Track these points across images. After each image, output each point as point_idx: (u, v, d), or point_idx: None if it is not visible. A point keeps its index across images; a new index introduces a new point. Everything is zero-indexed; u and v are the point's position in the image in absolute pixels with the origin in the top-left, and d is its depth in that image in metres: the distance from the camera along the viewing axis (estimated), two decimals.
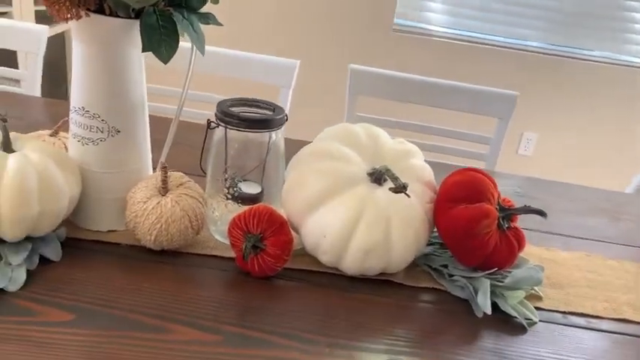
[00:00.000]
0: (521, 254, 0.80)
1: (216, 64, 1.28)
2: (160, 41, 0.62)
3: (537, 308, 0.74)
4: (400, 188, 0.68)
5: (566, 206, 1.10)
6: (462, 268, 0.74)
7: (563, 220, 1.03)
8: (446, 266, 0.76)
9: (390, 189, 0.69)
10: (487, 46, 2.50)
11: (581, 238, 0.96)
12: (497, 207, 0.73)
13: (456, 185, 0.73)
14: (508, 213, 0.73)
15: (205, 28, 0.67)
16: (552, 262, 0.86)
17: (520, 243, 0.74)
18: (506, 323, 0.70)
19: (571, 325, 0.73)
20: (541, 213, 0.73)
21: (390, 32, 2.49)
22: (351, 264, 0.70)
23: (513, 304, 0.70)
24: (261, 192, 0.77)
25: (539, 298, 0.76)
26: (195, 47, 0.67)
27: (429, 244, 0.79)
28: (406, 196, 0.69)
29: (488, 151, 1.34)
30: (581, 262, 0.87)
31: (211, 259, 0.75)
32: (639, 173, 1.49)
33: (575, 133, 2.58)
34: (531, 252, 0.87)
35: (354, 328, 0.66)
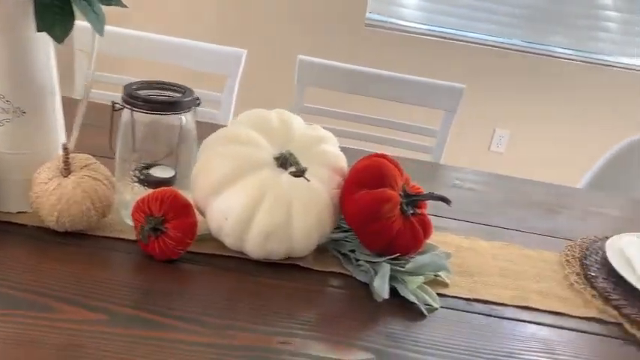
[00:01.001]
0: (438, 242, 0.81)
1: (163, 51, 1.29)
2: (54, 21, 0.62)
3: (441, 295, 0.75)
4: (299, 172, 0.69)
5: (504, 198, 1.11)
6: (367, 253, 0.75)
7: (497, 210, 1.04)
8: (354, 251, 0.77)
9: (290, 173, 0.70)
10: (460, 43, 2.51)
11: (509, 229, 0.97)
12: (402, 193, 0.74)
13: (360, 171, 0.73)
14: (412, 199, 0.74)
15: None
16: (470, 250, 0.87)
17: (426, 230, 0.75)
18: (407, 309, 0.71)
19: (473, 312, 0.74)
20: (444, 200, 0.74)
21: (362, 27, 2.50)
22: (253, 247, 0.71)
23: (413, 289, 0.71)
24: (174, 176, 0.78)
25: (445, 284, 0.77)
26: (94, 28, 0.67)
27: (343, 230, 0.80)
28: (308, 181, 0.70)
29: (435, 143, 1.35)
30: (499, 252, 0.88)
31: (119, 242, 0.75)
32: (591, 169, 1.51)
33: (548, 130, 2.59)
34: (451, 241, 0.88)
35: (256, 312, 0.67)
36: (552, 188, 1.20)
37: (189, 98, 0.75)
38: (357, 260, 0.75)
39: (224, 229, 0.71)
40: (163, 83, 0.77)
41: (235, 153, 0.72)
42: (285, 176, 0.72)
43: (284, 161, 0.72)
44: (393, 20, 2.55)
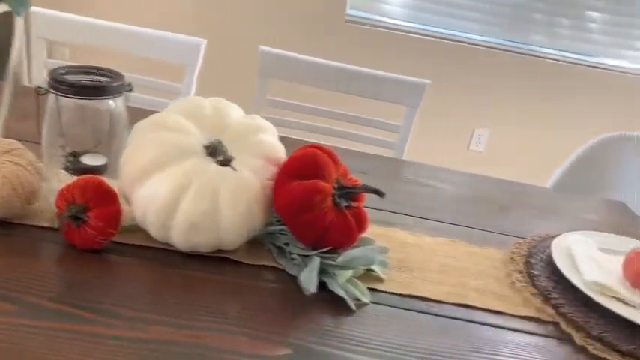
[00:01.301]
0: (383, 237, 0.80)
1: (121, 39, 1.26)
2: None
3: (375, 290, 0.73)
4: (226, 161, 0.67)
5: (460, 194, 1.09)
6: (301, 246, 0.73)
7: (450, 207, 1.02)
8: (288, 244, 0.75)
9: (217, 161, 0.68)
10: (441, 41, 2.49)
11: (459, 225, 0.95)
12: (336, 185, 0.72)
13: (292, 161, 0.71)
14: (345, 191, 0.72)
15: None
16: (415, 246, 0.85)
17: (361, 223, 0.74)
18: (337, 304, 0.69)
19: (406, 308, 0.72)
20: (378, 193, 0.72)
21: (343, 23, 2.48)
22: (178, 237, 0.69)
23: (342, 283, 0.69)
24: (105, 165, 0.76)
25: (380, 280, 0.75)
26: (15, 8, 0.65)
27: (280, 222, 0.78)
28: (234, 170, 0.68)
29: (397, 139, 1.33)
30: (444, 248, 0.86)
31: (46, 231, 0.73)
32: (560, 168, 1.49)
33: (528, 130, 2.58)
34: (397, 236, 0.87)
35: (178, 306, 0.65)
36: (513, 186, 1.19)
37: (118, 83, 0.73)
38: (291, 254, 0.73)
39: (148, 218, 0.69)
40: (93, 68, 0.75)
41: (163, 139, 0.70)
42: (213, 165, 0.70)
43: (213, 150, 0.70)
44: (375, 17, 2.53)
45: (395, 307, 0.72)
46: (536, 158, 2.60)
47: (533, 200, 1.13)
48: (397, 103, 1.31)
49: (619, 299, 0.75)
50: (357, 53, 2.47)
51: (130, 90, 0.75)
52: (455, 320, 0.71)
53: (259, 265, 0.74)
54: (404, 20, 2.52)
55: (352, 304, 0.69)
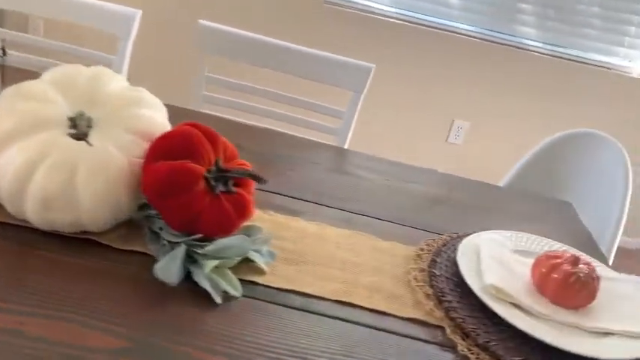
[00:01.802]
0: (282, 225, 0.75)
1: (57, 8, 1.21)
2: None
3: (252, 283, 0.68)
4: (80, 134, 0.62)
5: (389, 186, 1.03)
6: (175, 232, 0.68)
7: (373, 199, 0.96)
8: (162, 229, 0.69)
9: (70, 134, 0.62)
10: (423, 27, 2.41)
11: (376, 218, 0.90)
12: (213, 168, 0.66)
13: (163, 139, 0.66)
14: (222, 175, 0.66)
15: None
16: (314, 236, 0.79)
17: (241, 210, 0.68)
18: (203, 296, 0.64)
19: (282, 304, 0.66)
20: (257, 178, 0.66)
21: (322, 5, 2.40)
22: (33, 214, 0.64)
23: (208, 273, 0.64)
24: None
25: (262, 272, 0.70)
26: None
27: None
28: (93, 145, 0.62)
29: (341, 125, 1.27)
30: (347, 241, 0.80)
31: None
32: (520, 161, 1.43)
33: (509, 124, 2.51)
34: (297, 225, 0.81)
35: (14, 289, 0.60)
36: (457, 181, 1.12)
37: None
38: (164, 239, 0.68)
39: (3, 191, 0.64)
40: None
41: (25, 109, 0.65)
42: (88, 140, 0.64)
43: (75, 122, 0.65)
44: (356, 0, 2.45)
45: (270, 302, 0.66)
46: (515, 152, 2.53)
47: (473, 197, 1.07)
48: (341, 87, 1.25)
49: (517, 306, 0.70)
50: (334, 37, 2.40)
51: (4, 54, 0.70)
52: (334, 320, 0.66)
53: (129, 251, 0.69)
54: (387, 5, 2.45)
55: (217, 298, 0.63)
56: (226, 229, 0.67)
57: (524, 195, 1.17)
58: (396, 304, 0.70)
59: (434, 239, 0.85)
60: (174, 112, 1.12)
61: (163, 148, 0.65)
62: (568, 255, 0.73)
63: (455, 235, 0.85)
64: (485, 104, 2.50)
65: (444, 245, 0.82)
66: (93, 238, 0.68)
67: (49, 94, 0.66)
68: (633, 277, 0.80)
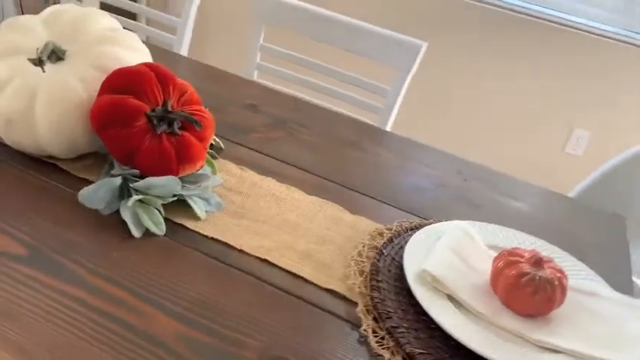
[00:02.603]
0: (254, 184, 0.77)
1: None
2: None
3: (181, 226, 0.69)
4: (37, 60, 0.67)
5: (398, 164, 0.96)
6: (124, 167, 0.71)
7: (371, 176, 0.91)
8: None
9: (29, 59, 0.68)
10: (555, 25, 2.20)
11: (361, 194, 0.85)
12: (160, 108, 0.68)
13: (114, 75, 0.69)
14: (166, 116, 0.68)
15: None
16: (276, 199, 0.78)
17: (183, 153, 0.69)
18: (125, 229, 0.66)
19: (201, 252, 0.66)
20: (193, 121, 0.67)
21: None
22: (1, 131, 0.71)
23: (131, 207, 0.66)
24: None
25: (196, 218, 0.70)
26: None
27: None
28: (44, 72, 0.68)
29: (385, 104, 1.21)
30: (310, 207, 0.77)
31: None
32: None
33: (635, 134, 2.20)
34: (263, 184, 0.80)
35: None
36: (470, 168, 1.01)
37: None
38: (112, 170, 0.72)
39: None
40: None
41: (7, 38, 0.72)
42: (44, 67, 0.70)
43: (42, 51, 0.70)
44: None
45: (189, 247, 0.66)
46: None
47: (480, 187, 0.96)
48: (389, 65, 1.19)
49: (453, 299, 0.61)
50: (447, 30, 2.29)
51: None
52: (244, 274, 0.64)
53: (80, 178, 0.73)
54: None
55: (136, 232, 0.65)
56: (164, 169, 0.69)
57: (578, 207, 1.02)
58: (322, 274, 0.66)
59: (410, 221, 0.78)
60: (222, 77, 1.16)
61: (112, 83, 0.68)
62: (533, 254, 0.62)
63: (432, 221, 0.77)
64: (610, 112, 2.21)
65: (413, 229, 0.75)
66: (55, 163, 0.74)
67: (35, 27, 0.73)
68: (627, 298, 0.66)
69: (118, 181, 0.68)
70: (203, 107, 0.75)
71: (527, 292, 0.60)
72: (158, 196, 0.67)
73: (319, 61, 1.28)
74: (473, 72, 2.33)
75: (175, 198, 0.70)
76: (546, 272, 0.61)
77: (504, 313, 0.62)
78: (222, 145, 0.88)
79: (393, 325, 0.58)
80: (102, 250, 0.63)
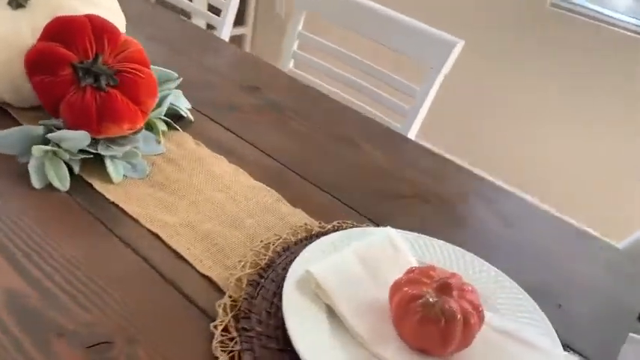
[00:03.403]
0: (204, 159, 0.73)
1: None
2: None
3: (89, 186, 0.66)
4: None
5: (384, 167, 0.86)
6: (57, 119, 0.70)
7: (354, 176, 0.81)
8: None
9: None
10: None
11: (324, 191, 0.76)
12: (88, 61, 0.66)
13: (52, 23, 0.68)
14: (93, 70, 0.65)
15: None
16: (215, 177, 0.72)
17: (106, 110, 0.66)
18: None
19: (96, 217, 0.62)
20: (110, 77, 0.64)
21: (546, 6, 2.10)
22: None
23: (38, 157, 0.64)
24: None
25: (109, 181, 0.66)
26: None
27: None
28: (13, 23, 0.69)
29: (412, 105, 1.09)
30: (244, 192, 0.70)
31: None
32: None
33: None
34: (210, 162, 0.74)
35: None
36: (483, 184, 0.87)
37: None
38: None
39: None
40: None
41: None
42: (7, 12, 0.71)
43: None
44: (588, 5, 2.07)
45: (86, 209, 0.63)
46: None
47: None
48: (420, 61, 1.07)
49: (333, 311, 0.51)
50: (560, 44, 2.07)
51: None
52: (124, 246, 0.59)
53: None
54: (624, 14, 2.00)
55: (36, 182, 0.64)
56: (83, 124, 0.66)
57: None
58: (210, 260, 0.59)
59: (352, 222, 0.68)
60: (253, 65, 1.12)
61: (49, 30, 0.67)
62: (445, 278, 0.50)
63: (365, 225, 0.67)
64: None
65: (343, 229, 0.64)
66: (7, 109, 0.75)
67: None
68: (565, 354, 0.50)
69: (39, 130, 0.66)
70: (150, 69, 0.72)
71: (415, 319, 0.48)
72: (67, 150, 0.65)
73: (351, 53, 1.20)
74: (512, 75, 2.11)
75: (91, 155, 0.67)
76: (450, 302, 0.48)
77: (391, 341, 0.50)
78: (191, 117, 0.84)
79: (246, 326, 0.50)
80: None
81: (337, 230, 0.64)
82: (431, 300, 0.48)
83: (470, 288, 0.51)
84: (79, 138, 0.65)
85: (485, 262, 0.62)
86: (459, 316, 0.48)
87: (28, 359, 0.46)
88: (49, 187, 0.64)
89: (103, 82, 0.67)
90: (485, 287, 0.59)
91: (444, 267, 0.60)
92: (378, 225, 0.70)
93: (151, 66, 0.88)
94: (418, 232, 0.66)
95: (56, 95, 0.66)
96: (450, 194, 0.82)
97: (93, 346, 0.47)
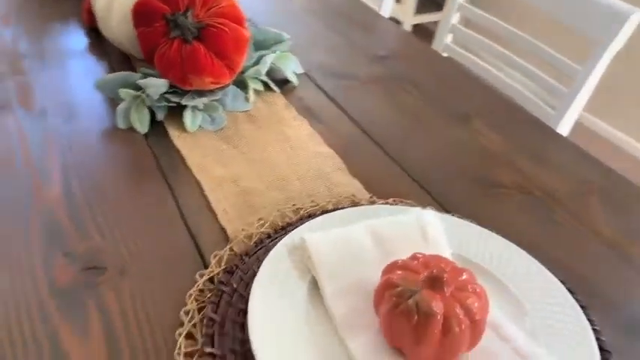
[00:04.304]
0: (272, 116, 0.75)
1: None
2: None
3: (164, 132, 0.70)
4: None
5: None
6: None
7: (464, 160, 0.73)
8: None
9: None
10: None
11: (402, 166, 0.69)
12: (179, 14, 0.70)
13: None
14: (181, 23, 0.69)
15: None
16: (281, 134, 0.71)
17: (188, 63, 0.69)
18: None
19: (157, 159, 0.66)
20: (188, 29, 0.68)
21: None
22: (118, 27, 0.84)
23: (127, 100, 0.70)
24: None
25: (183, 130, 0.70)
26: None
27: None
28: None
29: (572, 87, 0.91)
30: (306, 147, 0.67)
31: None
32: None
33: None
34: (284, 116, 0.74)
35: None
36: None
37: None
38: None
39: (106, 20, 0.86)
40: None
41: None
42: None
43: None
44: None
45: (151, 148, 0.67)
46: None
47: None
48: (584, 35, 0.88)
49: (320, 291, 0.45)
50: None
51: None
52: (167, 192, 0.61)
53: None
54: None
55: (120, 121, 0.70)
56: (170, 73, 0.70)
57: None
58: (233, 212, 0.58)
59: (411, 202, 0.60)
60: (393, 34, 1.10)
61: None
62: (440, 271, 0.41)
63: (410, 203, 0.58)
64: None
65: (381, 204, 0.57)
66: (130, 59, 0.85)
67: None
68: None
69: (136, 77, 0.73)
70: (244, 26, 0.73)
71: (386, 308, 0.40)
72: (150, 96, 0.70)
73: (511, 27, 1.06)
74: None
75: (175, 104, 0.71)
76: (433, 299, 0.39)
77: (365, 332, 0.43)
78: (295, 81, 0.83)
79: (223, 280, 0.48)
80: (80, 130, 0.70)
81: (372, 203, 0.58)
82: (408, 291, 0.40)
83: (478, 290, 0.41)
84: (158, 85, 0.70)
85: (555, 282, 0.50)
86: (438, 316, 0.39)
87: (31, 265, 0.51)
88: (131, 129, 0.71)
89: (189, 35, 0.70)
90: (532, 300, 0.47)
91: (484, 267, 0.50)
92: (448, 212, 0.61)
93: (259, 26, 0.91)
94: (496, 231, 0.56)
95: (152, 45, 0.72)
96: (564, 192, 0.67)
97: (87, 269, 0.51)
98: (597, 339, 0.45)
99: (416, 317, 0.39)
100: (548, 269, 0.51)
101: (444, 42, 1.19)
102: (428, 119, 0.80)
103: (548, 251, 0.58)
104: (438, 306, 0.39)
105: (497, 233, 0.56)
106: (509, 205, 0.65)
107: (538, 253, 0.54)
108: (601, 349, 0.45)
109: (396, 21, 2.83)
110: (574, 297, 0.48)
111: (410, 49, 1.01)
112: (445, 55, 1.20)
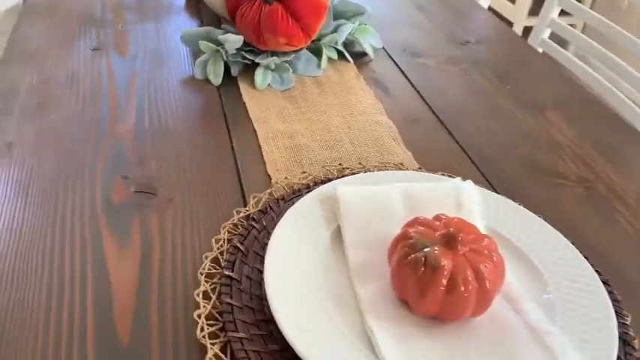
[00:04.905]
0: (340, 83, 0.78)
1: None
2: None
3: (235, 87, 0.73)
4: None
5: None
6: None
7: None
8: None
9: None
10: None
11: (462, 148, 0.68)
12: None
13: None
14: None
15: None
16: (344, 100, 0.72)
17: (265, 23, 0.73)
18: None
19: (222, 108, 0.70)
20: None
21: None
22: None
23: (208, 54, 0.74)
24: None
25: (253, 86, 0.73)
26: None
27: None
28: None
29: None
30: (366, 115, 0.68)
31: None
32: None
33: None
34: (351, 85, 0.75)
35: None
36: None
37: None
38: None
39: None
40: None
41: None
42: None
43: None
44: None
45: (220, 99, 0.71)
46: None
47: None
48: None
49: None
50: None
51: None
52: (226, 138, 0.65)
53: None
54: None
55: (198, 73, 0.75)
56: (249, 31, 0.74)
57: None
58: (282, 164, 0.60)
59: (459, 179, 0.59)
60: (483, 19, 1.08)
61: None
62: (456, 229, 0.40)
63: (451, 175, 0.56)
64: None
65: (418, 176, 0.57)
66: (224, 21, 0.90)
67: None
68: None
69: (217, 33, 0.77)
70: None
71: (396, 258, 0.41)
72: (226, 51, 0.74)
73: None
74: None
75: (249, 62, 0.75)
76: (444, 255, 0.39)
77: (376, 281, 0.44)
78: (371, 54, 0.85)
79: (255, 224, 0.50)
80: (161, 77, 0.76)
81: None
82: (421, 244, 0.40)
83: (495, 259, 0.41)
84: (234, 40, 0.74)
85: (590, 270, 0.47)
86: (445, 272, 0.39)
87: (92, 183, 0.57)
88: (207, 80, 0.75)
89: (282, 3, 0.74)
90: (558, 284, 0.46)
91: (516, 244, 0.49)
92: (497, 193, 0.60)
93: None
94: (548, 220, 0.54)
95: (236, 5, 0.76)
96: (632, 192, 0.63)
97: (139, 192, 0.56)
98: (622, 331, 0.43)
99: (422, 269, 0.40)
100: (592, 265, 0.49)
101: (540, 37, 1.14)
102: (500, 106, 0.78)
103: (599, 247, 0.55)
104: (446, 262, 0.39)
105: (548, 222, 0.54)
106: (568, 197, 0.62)
107: (586, 247, 0.52)
108: (625, 341, 0.43)
109: (508, 22, 2.73)
110: (607, 289, 0.46)
111: (497, 37, 0.99)
112: (540, 51, 1.15)
